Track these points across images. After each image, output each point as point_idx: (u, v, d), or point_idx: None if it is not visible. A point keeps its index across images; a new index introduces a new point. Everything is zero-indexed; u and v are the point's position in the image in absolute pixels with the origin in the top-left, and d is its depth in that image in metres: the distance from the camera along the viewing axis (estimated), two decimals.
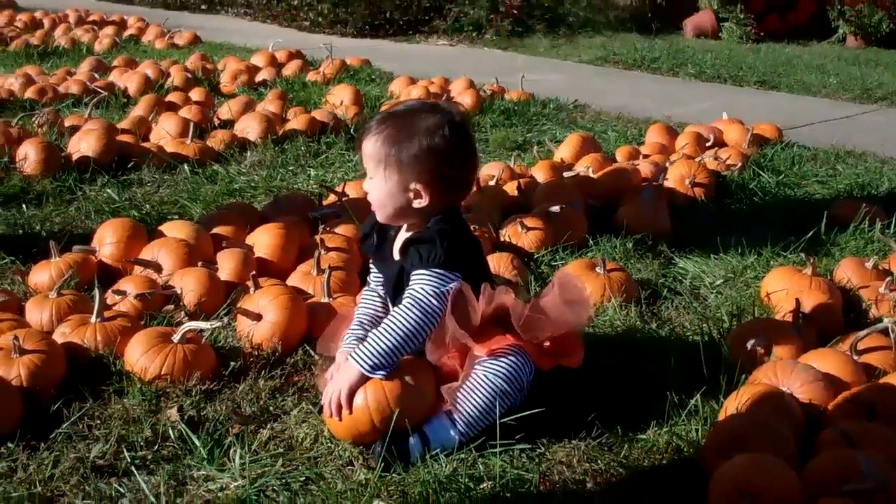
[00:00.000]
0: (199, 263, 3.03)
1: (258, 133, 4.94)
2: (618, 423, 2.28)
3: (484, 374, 2.16)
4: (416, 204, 2.22)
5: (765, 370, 2.40)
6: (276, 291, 2.75)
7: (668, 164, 4.34)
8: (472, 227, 2.68)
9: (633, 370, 2.53)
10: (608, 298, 2.98)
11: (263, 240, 3.23)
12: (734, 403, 2.22)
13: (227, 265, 3.06)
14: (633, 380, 2.48)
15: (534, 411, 2.18)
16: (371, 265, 2.48)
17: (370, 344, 2.15)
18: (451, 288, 2.16)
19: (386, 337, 2.14)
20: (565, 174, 4.24)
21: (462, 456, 2.14)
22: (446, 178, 2.21)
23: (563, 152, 4.70)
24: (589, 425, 2.26)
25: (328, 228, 3.38)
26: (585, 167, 4.30)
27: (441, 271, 2.16)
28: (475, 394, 2.15)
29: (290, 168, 4.58)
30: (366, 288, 2.48)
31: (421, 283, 2.16)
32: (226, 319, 2.73)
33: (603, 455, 2.18)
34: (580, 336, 2.36)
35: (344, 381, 2.15)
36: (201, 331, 2.60)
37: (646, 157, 4.70)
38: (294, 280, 3.04)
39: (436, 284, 2.16)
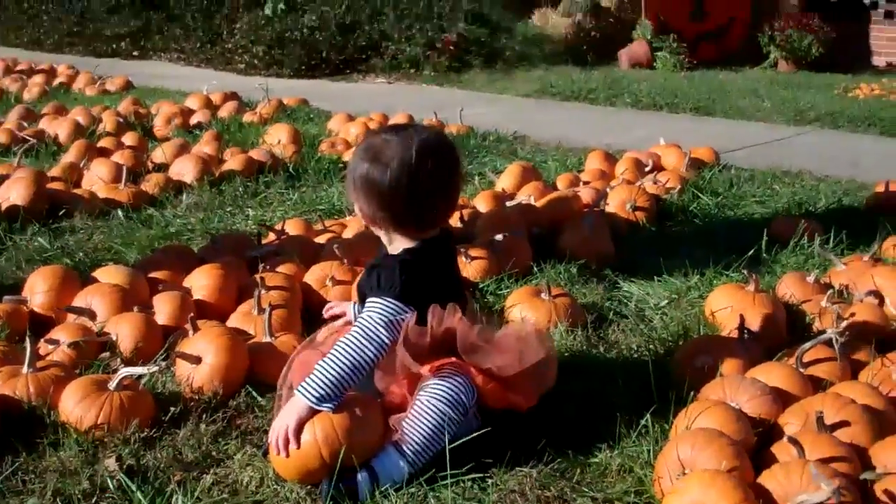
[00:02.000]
0: (135, 308, 2.97)
1: (194, 175, 4.90)
2: (569, 447, 2.28)
3: (427, 400, 2.14)
4: (377, 232, 2.24)
5: (713, 386, 2.42)
6: (215, 333, 2.71)
7: (608, 190, 4.40)
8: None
9: (582, 394, 2.53)
10: (555, 324, 2.99)
11: (201, 281, 3.18)
12: (684, 421, 2.23)
13: (163, 309, 3.01)
14: (582, 403, 2.48)
15: (481, 431, 2.19)
16: None
17: (316, 375, 2.11)
18: (403, 319, 2.14)
19: (332, 367, 2.10)
20: (507, 203, 4.27)
21: (412, 490, 2.11)
22: (397, 214, 2.21)
23: (504, 182, 4.73)
24: (540, 451, 2.25)
25: (268, 267, 3.34)
26: (527, 196, 4.33)
27: (394, 302, 2.15)
28: (421, 421, 2.13)
29: (228, 209, 4.55)
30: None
31: (371, 312, 2.15)
32: (164, 364, 2.68)
33: (556, 481, 2.17)
34: (537, 384, 2.31)
35: (291, 416, 2.11)
36: (138, 377, 2.55)
37: (586, 183, 4.75)
38: (234, 321, 3.00)
39: (387, 314, 2.14)
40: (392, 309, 2.15)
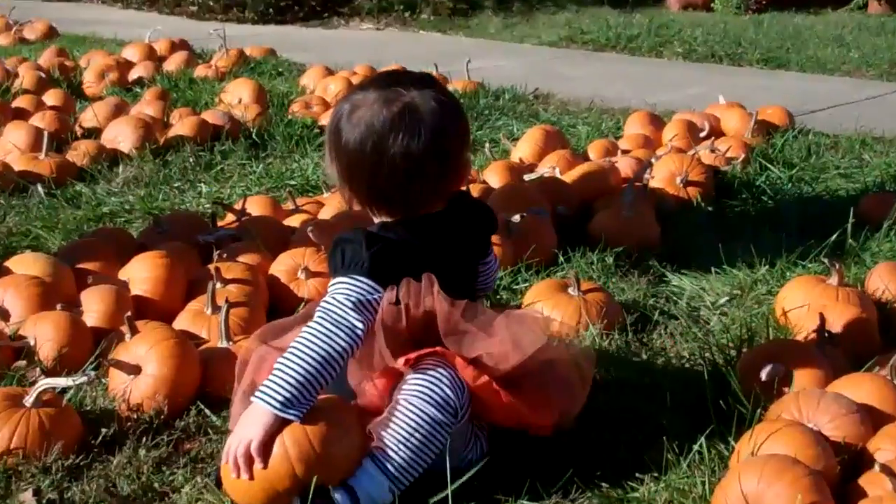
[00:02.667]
0: (59, 306, 2.97)
1: (133, 142, 4.91)
2: (602, 479, 2.27)
3: (406, 401, 2.12)
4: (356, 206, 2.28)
5: (785, 403, 2.40)
6: (158, 336, 2.71)
7: (653, 160, 4.38)
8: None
9: (620, 412, 2.53)
10: (585, 326, 2.98)
11: (141, 272, 3.18)
12: (748, 446, 2.22)
13: (94, 306, 3.01)
14: (620, 424, 2.48)
15: (482, 462, 2.19)
16: None
17: (278, 375, 2.08)
18: (375, 300, 2.14)
19: (297, 363, 2.08)
20: (526, 177, 4.26)
21: None
22: (359, 186, 2.24)
23: (522, 151, 4.72)
24: (566, 483, 2.24)
25: (225, 255, 3.34)
26: (551, 167, 4.32)
27: (363, 280, 2.14)
28: (402, 428, 2.10)
29: (176, 185, 4.55)
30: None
31: (335, 293, 2.14)
32: (94, 375, 2.67)
33: None
34: (561, 396, 2.29)
35: (253, 428, 2.07)
36: (62, 390, 2.55)
37: (626, 152, 4.74)
38: (182, 322, 3.00)
39: (355, 294, 2.13)
40: (360, 288, 2.14)
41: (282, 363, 2.10)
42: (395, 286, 2.16)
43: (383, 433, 2.12)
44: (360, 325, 2.12)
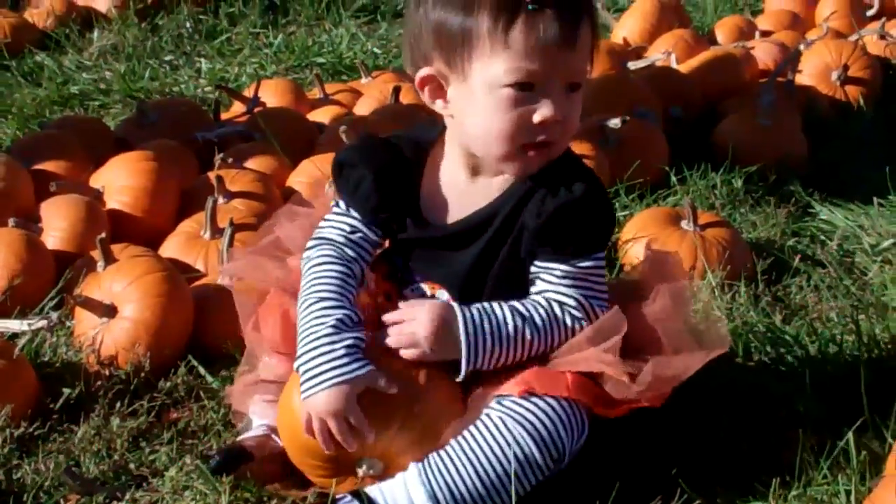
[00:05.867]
0: (11, 221, 3.01)
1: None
2: (716, 480, 2.26)
3: (504, 424, 2.12)
4: None
5: None
6: (140, 268, 2.73)
7: (802, 47, 4.30)
8: None
9: (744, 393, 2.51)
10: (701, 273, 2.97)
11: (120, 179, 3.21)
12: None
13: (57, 223, 3.05)
14: (742, 409, 2.46)
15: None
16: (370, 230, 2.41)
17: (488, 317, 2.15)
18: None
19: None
20: (631, 65, 4.22)
21: None
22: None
23: (627, 27, 4.70)
24: (669, 483, 2.24)
25: (230, 159, 3.34)
26: (664, 53, 4.28)
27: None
28: (479, 457, 2.12)
29: (168, 59, 4.57)
30: (321, 245, 2.34)
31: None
32: (55, 316, 2.70)
33: None
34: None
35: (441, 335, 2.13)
36: (12, 336, 2.58)
37: (766, 34, 4.68)
38: (172, 248, 3.03)
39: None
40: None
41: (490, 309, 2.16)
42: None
43: (448, 452, 2.12)
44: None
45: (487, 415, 2.11)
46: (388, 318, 2.15)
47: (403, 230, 2.26)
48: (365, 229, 2.25)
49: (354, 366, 2.06)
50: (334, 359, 2.06)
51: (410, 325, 2.12)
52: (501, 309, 2.13)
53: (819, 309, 2.96)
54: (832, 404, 2.46)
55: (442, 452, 2.11)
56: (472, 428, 2.12)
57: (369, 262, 2.29)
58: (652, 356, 2.17)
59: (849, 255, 3.24)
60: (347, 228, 2.25)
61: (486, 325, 2.11)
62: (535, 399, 2.11)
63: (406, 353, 2.11)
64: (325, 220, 2.30)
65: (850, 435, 2.29)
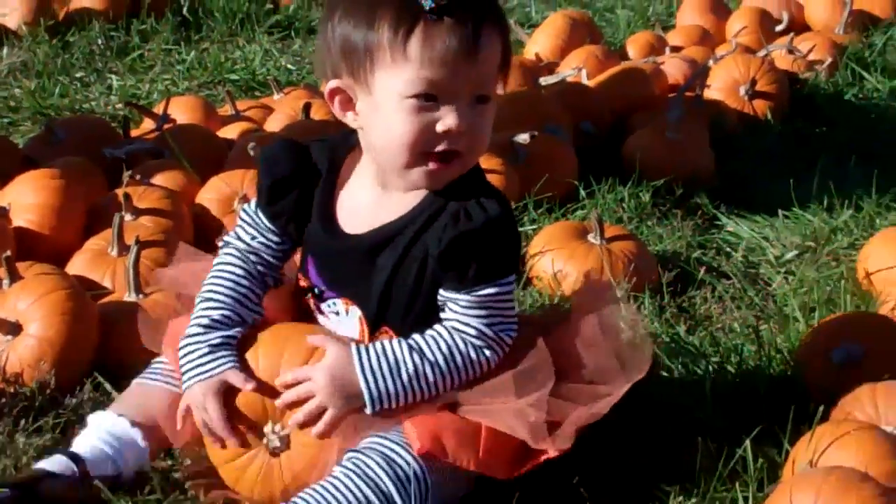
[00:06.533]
0: None
1: (23, 15, 4.88)
2: (616, 488, 2.29)
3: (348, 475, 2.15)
4: None
5: (858, 398, 2.41)
6: (46, 286, 2.72)
7: (711, 62, 4.36)
8: None
9: (645, 402, 2.53)
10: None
11: (26, 197, 3.19)
12: (806, 452, 2.23)
13: None
14: (644, 418, 2.49)
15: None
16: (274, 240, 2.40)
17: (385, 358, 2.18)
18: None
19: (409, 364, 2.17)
20: (542, 80, 4.25)
21: None
22: None
23: (539, 43, 4.73)
24: (570, 491, 2.26)
25: (139, 176, 3.34)
26: (575, 69, 4.31)
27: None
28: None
29: (78, 75, 4.56)
30: (225, 252, 2.39)
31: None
32: None
33: None
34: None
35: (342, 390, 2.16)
36: None
37: (676, 49, 4.74)
38: (79, 265, 3.02)
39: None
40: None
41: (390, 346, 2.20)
42: None
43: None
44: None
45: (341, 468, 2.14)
46: (284, 382, 2.19)
47: (303, 237, 2.30)
48: (268, 233, 2.30)
49: (213, 364, 2.18)
50: (199, 356, 2.21)
51: (309, 387, 2.16)
52: (400, 348, 2.17)
53: (723, 320, 3.01)
54: (732, 413, 2.50)
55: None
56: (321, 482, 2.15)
57: (278, 265, 2.35)
58: (573, 383, 2.24)
59: (753, 266, 3.29)
60: (252, 232, 2.31)
61: (385, 368, 2.15)
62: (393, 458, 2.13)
63: (317, 430, 2.16)
64: (238, 221, 2.35)
65: (747, 443, 2.34)
